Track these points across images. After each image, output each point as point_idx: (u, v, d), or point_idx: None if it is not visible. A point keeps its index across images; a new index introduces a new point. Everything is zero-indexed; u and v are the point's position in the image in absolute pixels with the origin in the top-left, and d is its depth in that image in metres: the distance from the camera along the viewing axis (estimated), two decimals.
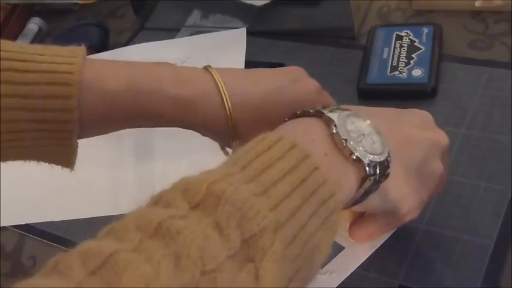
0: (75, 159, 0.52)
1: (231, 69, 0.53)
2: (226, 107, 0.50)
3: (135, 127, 0.52)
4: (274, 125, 0.44)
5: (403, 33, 0.72)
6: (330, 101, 0.54)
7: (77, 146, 0.51)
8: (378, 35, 0.73)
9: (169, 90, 0.49)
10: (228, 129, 0.50)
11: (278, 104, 0.50)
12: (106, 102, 0.48)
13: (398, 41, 0.71)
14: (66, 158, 0.51)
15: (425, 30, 0.71)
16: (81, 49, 0.49)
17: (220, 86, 0.50)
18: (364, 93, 0.68)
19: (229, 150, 0.55)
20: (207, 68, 0.52)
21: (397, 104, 0.66)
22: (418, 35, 0.71)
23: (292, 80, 0.52)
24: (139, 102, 0.49)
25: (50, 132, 0.48)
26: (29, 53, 0.47)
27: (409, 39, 0.71)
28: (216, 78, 0.50)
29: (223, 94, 0.50)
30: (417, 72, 0.67)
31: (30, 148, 0.50)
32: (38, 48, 0.48)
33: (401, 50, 0.70)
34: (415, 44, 0.70)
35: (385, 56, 0.70)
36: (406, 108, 0.65)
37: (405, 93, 0.66)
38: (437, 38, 0.70)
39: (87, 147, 0.72)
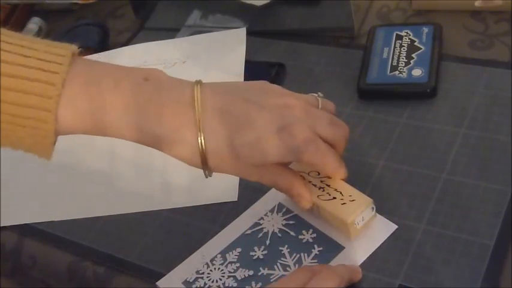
0: (52, 151, 0.51)
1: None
2: (200, 149, 0.50)
3: None
4: None
5: (403, 33, 0.72)
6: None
7: (55, 141, 0.51)
8: (378, 34, 0.73)
9: (142, 126, 0.50)
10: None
11: None
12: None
13: (398, 41, 0.71)
14: (43, 150, 0.51)
15: (425, 30, 0.71)
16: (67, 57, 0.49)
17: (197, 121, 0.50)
18: (364, 93, 0.68)
19: None
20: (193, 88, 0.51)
21: (397, 104, 0.66)
22: (418, 34, 0.71)
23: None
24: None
25: (28, 129, 0.48)
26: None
27: (409, 39, 0.71)
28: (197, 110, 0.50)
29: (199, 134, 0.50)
30: (417, 72, 0.67)
31: (6, 136, 0.50)
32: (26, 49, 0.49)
33: (401, 49, 0.70)
34: (415, 43, 0.70)
35: (385, 55, 0.70)
36: (406, 108, 0.66)
37: (405, 93, 0.67)
38: (437, 37, 0.70)
39: (87, 147, 0.72)
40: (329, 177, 0.57)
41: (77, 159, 0.72)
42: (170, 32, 0.87)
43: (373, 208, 0.55)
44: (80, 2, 0.98)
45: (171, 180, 0.67)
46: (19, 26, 0.97)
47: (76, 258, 0.63)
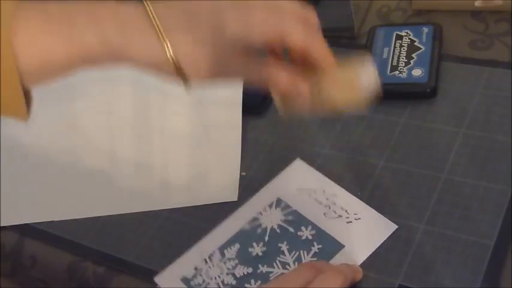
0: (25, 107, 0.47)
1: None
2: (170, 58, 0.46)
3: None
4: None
5: (403, 33, 0.72)
6: None
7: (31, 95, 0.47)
8: (378, 34, 0.73)
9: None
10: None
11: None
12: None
13: (398, 41, 0.71)
14: (15, 103, 0.47)
15: (425, 30, 0.71)
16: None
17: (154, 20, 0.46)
18: None
19: None
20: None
21: (397, 104, 0.66)
22: (418, 34, 0.71)
23: None
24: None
25: None
26: None
27: (409, 39, 0.71)
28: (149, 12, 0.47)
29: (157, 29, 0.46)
30: (417, 72, 0.67)
31: None
32: None
33: (401, 49, 0.70)
34: (415, 43, 0.70)
35: (385, 55, 0.70)
36: (406, 108, 0.66)
37: (405, 93, 0.67)
38: (437, 37, 0.70)
39: (87, 147, 0.72)
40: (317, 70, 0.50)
41: (77, 159, 0.72)
42: None
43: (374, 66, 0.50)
44: None
45: (170, 180, 0.67)
46: None
47: (76, 258, 0.63)
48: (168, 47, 0.46)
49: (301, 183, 0.61)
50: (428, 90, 0.66)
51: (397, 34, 0.72)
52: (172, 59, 0.47)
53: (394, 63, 0.68)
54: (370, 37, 0.73)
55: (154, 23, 0.47)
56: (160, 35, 0.46)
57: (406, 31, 0.72)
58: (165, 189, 0.66)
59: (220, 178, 0.65)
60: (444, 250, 0.53)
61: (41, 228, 0.67)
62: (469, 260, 0.52)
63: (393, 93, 0.67)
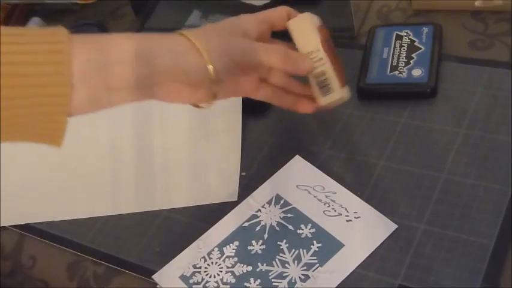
0: (64, 136, 0.49)
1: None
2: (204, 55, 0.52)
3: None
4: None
5: (403, 33, 0.72)
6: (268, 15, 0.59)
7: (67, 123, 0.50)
8: (378, 34, 0.73)
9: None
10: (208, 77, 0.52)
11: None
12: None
13: (398, 41, 0.71)
14: (55, 133, 0.49)
15: (425, 30, 0.71)
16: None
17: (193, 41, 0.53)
18: (364, 93, 0.68)
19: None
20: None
21: (397, 104, 0.66)
22: (418, 34, 0.71)
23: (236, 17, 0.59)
24: None
25: (39, 107, 0.47)
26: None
27: (409, 39, 0.71)
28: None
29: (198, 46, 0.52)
30: (417, 72, 0.67)
31: (16, 125, 0.48)
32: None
33: (401, 49, 0.70)
34: (415, 43, 0.70)
35: (385, 55, 0.70)
36: (406, 108, 0.66)
37: (405, 93, 0.67)
38: (437, 37, 0.70)
39: (87, 147, 0.72)
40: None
41: (77, 159, 0.72)
42: (170, 32, 0.87)
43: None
44: (80, 2, 0.98)
45: (170, 180, 0.67)
46: (19, 26, 0.97)
47: (76, 258, 0.63)
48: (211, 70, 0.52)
49: (301, 180, 0.61)
50: (428, 90, 0.66)
51: (397, 34, 0.72)
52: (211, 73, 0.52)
53: (394, 63, 0.68)
54: (370, 37, 0.73)
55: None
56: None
57: (406, 31, 0.72)
58: (165, 189, 0.66)
59: (220, 178, 0.65)
60: (444, 250, 0.53)
61: (41, 228, 0.67)
62: (469, 260, 0.52)
63: (393, 93, 0.67)
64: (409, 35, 0.71)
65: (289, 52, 0.57)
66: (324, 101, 0.58)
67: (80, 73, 0.47)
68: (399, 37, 0.71)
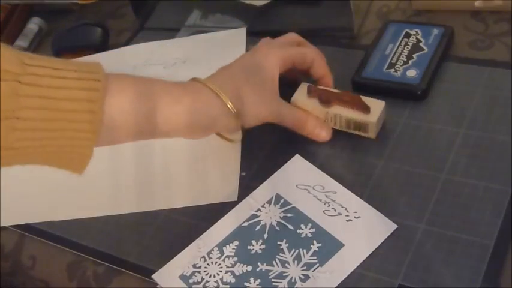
0: (86, 166, 0.52)
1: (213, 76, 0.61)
2: (230, 107, 0.58)
3: None
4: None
5: (412, 32, 0.71)
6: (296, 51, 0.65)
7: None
8: (389, 30, 0.72)
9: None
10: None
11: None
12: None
13: (405, 39, 0.70)
14: (78, 163, 0.52)
15: (435, 31, 0.70)
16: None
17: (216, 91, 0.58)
18: (357, 86, 0.68)
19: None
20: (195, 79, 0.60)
21: (396, 104, 0.66)
22: (427, 35, 0.70)
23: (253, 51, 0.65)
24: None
25: (67, 140, 0.49)
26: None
27: (416, 38, 0.70)
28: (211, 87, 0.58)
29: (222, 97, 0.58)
30: (412, 73, 0.67)
31: (42, 153, 0.50)
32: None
33: (405, 48, 0.69)
34: (420, 44, 0.69)
35: (387, 51, 0.69)
36: (406, 108, 0.66)
37: (395, 91, 0.66)
38: (444, 40, 0.69)
39: None
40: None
41: None
42: (170, 32, 0.87)
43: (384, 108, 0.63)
44: (80, 2, 0.98)
45: (171, 181, 0.67)
46: (19, 26, 0.97)
47: (76, 258, 0.63)
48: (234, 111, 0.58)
49: (300, 180, 0.61)
50: (418, 92, 0.65)
51: (406, 32, 0.71)
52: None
53: (393, 61, 0.68)
54: (380, 32, 0.72)
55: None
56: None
57: (416, 30, 0.71)
58: (165, 190, 0.66)
59: (220, 178, 0.65)
60: (444, 250, 0.53)
61: (41, 228, 0.67)
62: (469, 260, 0.52)
63: (384, 90, 0.66)
64: (418, 35, 0.71)
65: (309, 125, 0.64)
66: (372, 134, 0.63)
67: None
68: (408, 35, 0.71)
